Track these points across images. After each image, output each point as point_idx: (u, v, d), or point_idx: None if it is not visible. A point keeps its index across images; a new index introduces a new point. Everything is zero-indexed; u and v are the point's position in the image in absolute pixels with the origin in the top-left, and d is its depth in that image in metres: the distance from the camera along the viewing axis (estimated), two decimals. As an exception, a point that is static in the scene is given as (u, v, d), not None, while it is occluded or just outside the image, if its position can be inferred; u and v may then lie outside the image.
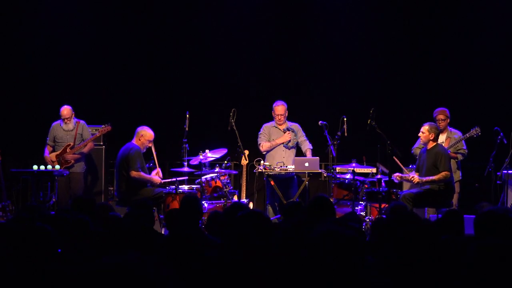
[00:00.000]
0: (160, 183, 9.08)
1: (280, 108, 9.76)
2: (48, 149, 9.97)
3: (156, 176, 9.10)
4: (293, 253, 3.52)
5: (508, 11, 11.21)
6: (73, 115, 9.97)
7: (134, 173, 8.82)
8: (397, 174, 8.64)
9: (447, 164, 8.38)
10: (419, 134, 8.68)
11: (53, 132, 10.00)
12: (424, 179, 8.36)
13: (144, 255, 2.39)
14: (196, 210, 5.57)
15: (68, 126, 9.93)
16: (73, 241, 4.28)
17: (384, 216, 7.46)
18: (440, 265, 3.25)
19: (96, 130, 10.28)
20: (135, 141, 9.03)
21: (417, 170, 8.63)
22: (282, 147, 9.76)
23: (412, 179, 8.44)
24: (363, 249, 3.07)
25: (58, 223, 4.40)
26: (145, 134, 9.02)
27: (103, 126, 10.03)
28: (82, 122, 10.04)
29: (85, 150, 9.93)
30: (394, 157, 8.61)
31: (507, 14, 11.21)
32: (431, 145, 8.51)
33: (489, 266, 2.86)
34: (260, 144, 9.79)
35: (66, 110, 9.92)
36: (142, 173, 8.88)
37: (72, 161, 9.84)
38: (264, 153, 9.80)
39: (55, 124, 10.03)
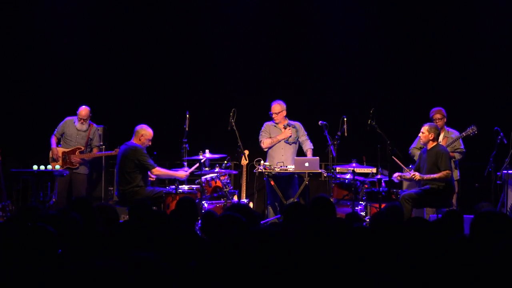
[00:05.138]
0: (187, 176, 9.01)
1: (274, 107, 9.77)
2: (54, 139, 9.95)
3: (180, 171, 9.07)
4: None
5: (508, 10, 11.21)
6: (90, 117, 9.98)
7: (155, 171, 8.82)
8: (397, 174, 8.64)
9: (448, 163, 8.38)
10: (419, 135, 8.69)
11: (65, 126, 9.98)
12: (425, 176, 8.37)
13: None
14: (191, 213, 5.57)
15: (82, 126, 9.94)
16: (74, 241, 4.27)
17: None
18: (444, 265, 3.25)
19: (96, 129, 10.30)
20: (135, 140, 9.01)
21: (416, 170, 8.62)
22: (283, 143, 9.75)
23: (413, 176, 8.44)
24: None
25: (57, 223, 4.39)
26: (145, 134, 9.00)
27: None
28: (95, 126, 10.06)
29: (90, 157, 9.97)
30: (393, 156, 8.60)
31: (507, 13, 11.20)
32: (431, 145, 8.51)
33: None
34: (261, 141, 9.79)
35: (84, 111, 9.93)
36: (163, 169, 8.90)
37: (77, 164, 9.87)
38: (266, 149, 9.80)
39: (69, 119, 10.01)
